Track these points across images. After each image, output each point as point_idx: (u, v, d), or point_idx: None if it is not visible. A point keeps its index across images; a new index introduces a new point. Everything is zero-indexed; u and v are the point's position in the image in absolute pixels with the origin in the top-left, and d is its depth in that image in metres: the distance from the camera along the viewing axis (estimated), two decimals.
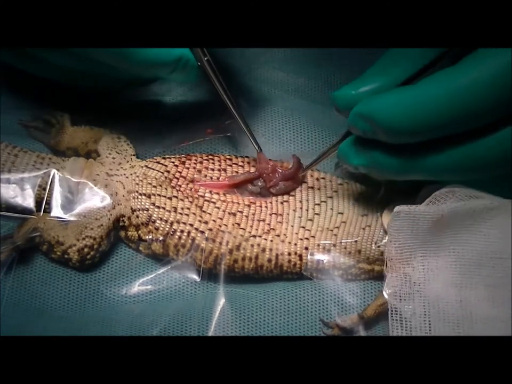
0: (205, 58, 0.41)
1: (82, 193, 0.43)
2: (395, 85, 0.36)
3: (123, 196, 0.43)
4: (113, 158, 0.45)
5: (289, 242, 0.42)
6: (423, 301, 0.37)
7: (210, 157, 0.45)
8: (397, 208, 0.38)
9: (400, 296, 0.37)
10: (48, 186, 0.42)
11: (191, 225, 0.42)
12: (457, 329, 0.36)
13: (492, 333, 0.35)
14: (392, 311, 0.37)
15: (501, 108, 0.32)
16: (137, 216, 0.42)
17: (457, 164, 0.35)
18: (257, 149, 0.44)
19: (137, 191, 0.43)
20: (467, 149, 0.34)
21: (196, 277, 0.42)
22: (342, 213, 0.43)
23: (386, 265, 0.38)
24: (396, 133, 0.34)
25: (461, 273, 0.37)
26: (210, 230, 0.42)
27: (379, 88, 0.36)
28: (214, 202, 0.43)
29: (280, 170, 0.44)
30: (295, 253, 0.41)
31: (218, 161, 0.45)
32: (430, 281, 0.37)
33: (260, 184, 0.44)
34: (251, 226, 0.42)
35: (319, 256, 0.41)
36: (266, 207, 0.43)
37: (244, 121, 0.44)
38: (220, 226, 0.42)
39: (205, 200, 0.43)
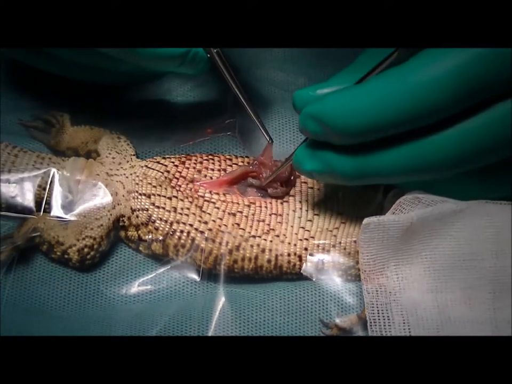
0: (215, 50, 0.40)
1: (82, 193, 0.43)
2: None
3: (123, 195, 0.43)
4: (113, 158, 0.45)
5: (289, 243, 0.42)
6: (400, 309, 0.37)
7: (210, 157, 0.45)
8: (365, 220, 0.37)
9: (377, 307, 0.37)
10: (48, 186, 0.42)
11: (191, 225, 0.42)
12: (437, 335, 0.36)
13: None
14: (371, 322, 0.37)
15: (451, 106, 0.32)
16: (137, 216, 0.42)
17: (411, 162, 0.34)
18: (268, 139, 0.44)
19: (137, 191, 0.43)
20: (418, 146, 0.33)
21: (195, 277, 0.42)
22: (341, 214, 0.43)
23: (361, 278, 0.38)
24: (345, 133, 0.33)
25: (435, 279, 0.37)
26: (210, 230, 0.42)
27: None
28: (214, 203, 0.43)
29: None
30: (295, 254, 0.41)
31: (218, 161, 0.45)
32: (406, 289, 0.37)
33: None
34: (251, 227, 0.42)
35: (318, 256, 0.41)
36: (266, 207, 0.43)
37: (255, 113, 0.43)
38: (220, 226, 0.42)
39: (205, 200, 0.43)
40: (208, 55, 0.41)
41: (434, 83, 0.31)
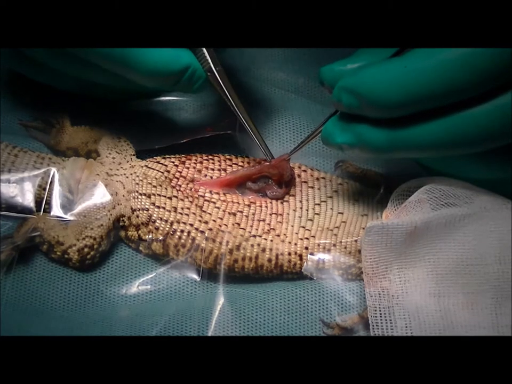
0: (217, 68, 0.40)
1: (82, 193, 0.43)
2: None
3: (123, 195, 0.43)
4: (113, 158, 0.45)
5: (289, 242, 0.42)
6: (403, 313, 0.37)
7: (210, 157, 0.45)
8: (369, 224, 0.38)
9: (380, 311, 0.37)
10: (48, 186, 0.42)
11: (191, 225, 0.42)
12: None
13: None
14: (373, 326, 0.37)
15: (486, 81, 0.32)
16: (137, 216, 0.42)
17: (445, 136, 0.34)
18: (269, 159, 0.43)
19: (137, 191, 0.43)
20: (455, 119, 0.33)
21: (195, 276, 0.42)
22: (342, 213, 0.43)
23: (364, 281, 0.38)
24: (382, 106, 0.33)
25: (438, 283, 0.37)
26: (210, 229, 0.42)
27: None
28: (214, 202, 0.43)
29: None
30: (295, 253, 0.41)
31: (218, 161, 0.45)
32: (408, 293, 0.37)
33: (258, 183, 0.44)
34: (251, 226, 0.42)
35: (319, 255, 0.41)
36: (266, 207, 0.43)
37: (256, 133, 0.43)
38: (220, 226, 0.42)
39: (205, 200, 0.43)
40: (209, 73, 0.40)
41: (468, 58, 0.31)
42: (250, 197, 0.44)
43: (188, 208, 0.42)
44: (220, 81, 0.41)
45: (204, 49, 0.40)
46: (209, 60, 0.40)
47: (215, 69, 0.40)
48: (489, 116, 0.33)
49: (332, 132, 0.37)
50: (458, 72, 0.32)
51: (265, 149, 0.43)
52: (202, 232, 0.41)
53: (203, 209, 0.42)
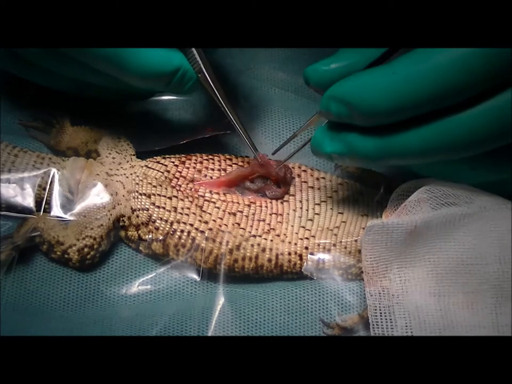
0: (207, 69, 0.40)
1: (82, 193, 0.43)
2: (368, 63, 0.35)
3: (123, 195, 0.43)
4: (113, 158, 0.45)
5: (289, 242, 0.42)
6: (403, 313, 0.37)
7: (210, 157, 0.45)
8: (369, 223, 0.38)
9: (380, 310, 0.37)
10: (48, 186, 0.42)
11: (191, 225, 0.42)
12: None
13: None
14: (373, 325, 0.37)
15: (476, 85, 0.32)
16: (137, 216, 0.42)
17: (435, 142, 0.34)
18: (255, 153, 0.44)
19: (137, 191, 0.43)
20: (446, 123, 0.33)
21: (195, 276, 0.42)
22: (342, 213, 0.43)
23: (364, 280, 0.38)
24: (373, 114, 0.33)
25: (438, 282, 0.37)
26: (210, 229, 0.42)
27: (351, 65, 0.35)
28: (214, 202, 0.43)
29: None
30: (295, 253, 0.41)
31: (218, 161, 0.45)
32: (409, 292, 0.37)
33: (257, 183, 0.44)
34: (251, 226, 0.42)
35: (319, 255, 0.41)
36: (266, 207, 0.43)
37: (245, 132, 0.43)
38: (220, 226, 0.42)
39: (205, 200, 0.43)
40: (199, 75, 0.40)
41: (458, 63, 0.31)
42: (250, 197, 0.44)
43: (188, 208, 0.42)
44: (210, 82, 0.41)
45: (194, 51, 0.40)
46: (200, 61, 0.40)
47: (206, 70, 0.40)
48: (485, 117, 0.33)
49: (321, 141, 0.37)
50: (453, 75, 0.32)
51: (252, 148, 0.43)
52: (202, 232, 0.41)
53: (203, 209, 0.42)
